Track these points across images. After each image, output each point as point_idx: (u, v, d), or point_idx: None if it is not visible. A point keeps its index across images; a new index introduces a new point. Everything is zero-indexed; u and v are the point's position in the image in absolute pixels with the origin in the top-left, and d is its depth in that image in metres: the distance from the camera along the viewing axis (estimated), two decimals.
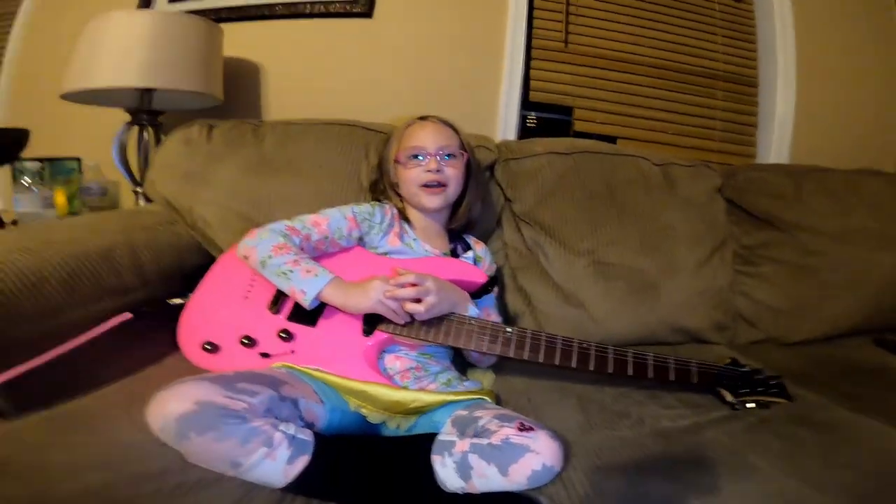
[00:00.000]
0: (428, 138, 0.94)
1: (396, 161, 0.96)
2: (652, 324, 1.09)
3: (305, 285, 0.78)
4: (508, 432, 0.60)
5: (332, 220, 0.90)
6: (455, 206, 1.00)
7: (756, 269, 1.19)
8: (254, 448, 0.55)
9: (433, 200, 0.93)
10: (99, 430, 0.63)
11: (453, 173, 0.94)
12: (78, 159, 1.57)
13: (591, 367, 0.77)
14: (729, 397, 0.80)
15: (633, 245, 1.11)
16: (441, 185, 0.93)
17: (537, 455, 0.58)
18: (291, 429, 0.59)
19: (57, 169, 1.53)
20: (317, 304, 0.79)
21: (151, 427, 0.56)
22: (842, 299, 1.15)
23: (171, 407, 0.55)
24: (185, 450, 0.56)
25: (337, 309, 0.80)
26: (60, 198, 1.46)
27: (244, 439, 0.55)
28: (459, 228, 1.02)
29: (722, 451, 0.68)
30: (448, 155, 0.94)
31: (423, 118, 0.99)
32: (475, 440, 0.61)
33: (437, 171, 0.92)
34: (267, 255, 0.81)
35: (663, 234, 1.13)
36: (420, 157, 0.93)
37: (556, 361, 0.77)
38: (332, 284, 0.79)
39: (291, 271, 0.79)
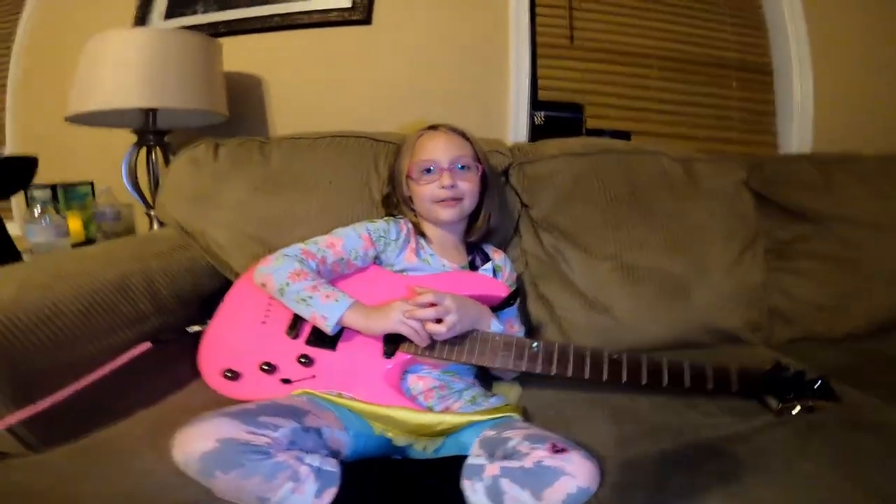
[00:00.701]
0: (440, 150, 0.91)
1: (409, 176, 0.94)
2: (684, 327, 1.05)
3: (326, 311, 0.76)
4: (541, 455, 0.58)
5: (348, 241, 0.88)
6: (472, 217, 0.97)
7: (792, 265, 1.14)
8: (280, 483, 0.55)
9: (448, 213, 0.90)
10: (126, 461, 0.63)
11: (468, 187, 0.91)
12: (91, 183, 1.58)
13: (624, 380, 0.74)
14: (774, 403, 0.76)
15: (659, 246, 1.06)
16: (456, 199, 0.90)
17: (572, 478, 0.55)
18: (317, 460, 0.58)
19: (70, 194, 1.54)
20: (338, 328, 0.78)
21: (177, 463, 0.55)
22: (884, 290, 1.10)
23: (194, 446, 0.54)
24: (211, 486, 0.55)
25: (357, 332, 0.78)
26: (75, 224, 1.47)
27: (270, 475, 0.54)
28: (477, 239, 0.99)
29: (771, 460, 0.65)
30: (462, 167, 0.91)
31: (433, 127, 0.96)
32: (505, 463, 0.59)
33: (452, 185, 0.89)
34: (285, 283, 0.79)
35: (691, 233, 1.08)
36: (433, 171, 0.90)
37: (586, 375, 0.74)
38: (353, 309, 0.77)
39: (311, 297, 0.78)
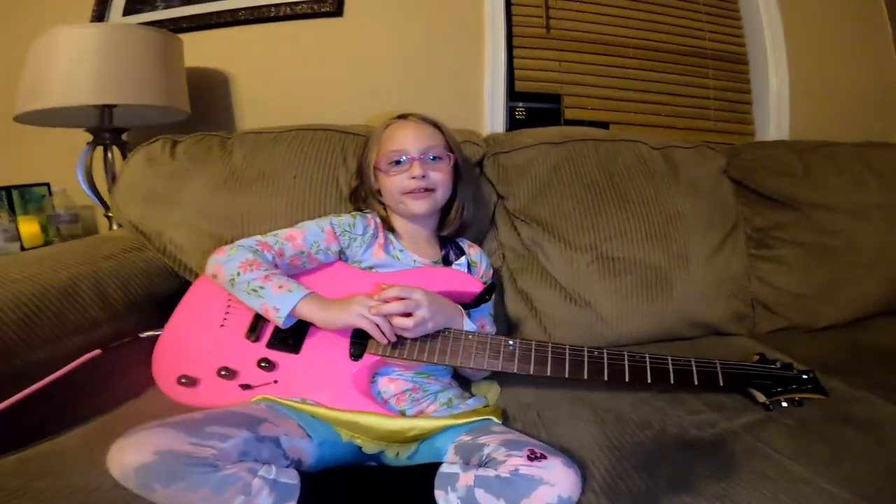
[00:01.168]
0: (409, 140, 0.86)
1: (377, 167, 0.89)
2: (666, 319, 1.02)
3: (278, 301, 0.71)
4: (517, 462, 0.55)
5: (309, 234, 0.83)
6: (444, 210, 0.93)
7: (772, 253, 1.13)
8: (230, 497, 0.51)
9: (420, 206, 0.86)
10: (69, 475, 0.59)
11: (440, 178, 0.87)
12: (47, 185, 1.50)
13: (605, 378, 0.70)
14: (761, 398, 0.74)
15: (638, 236, 1.03)
16: (427, 189, 0.85)
17: (551, 487, 0.52)
18: (272, 472, 0.54)
19: (26, 196, 1.46)
20: (291, 321, 0.73)
21: (114, 477, 0.51)
22: (866, 279, 1.10)
23: (129, 457, 0.50)
24: (155, 500, 0.51)
25: (321, 333, 0.74)
26: (32, 227, 1.40)
27: (217, 489, 0.50)
28: (451, 233, 0.94)
29: (760, 460, 0.62)
30: (433, 157, 0.87)
31: (402, 116, 0.91)
32: (480, 472, 0.56)
33: (423, 176, 0.84)
34: (235, 273, 0.74)
35: (670, 222, 1.06)
36: (402, 162, 0.85)
37: (566, 374, 0.70)
38: (308, 299, 0.72)
39: (262, 287, 0.72)
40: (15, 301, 0.74)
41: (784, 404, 0.72)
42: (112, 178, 1.26)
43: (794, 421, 0.70)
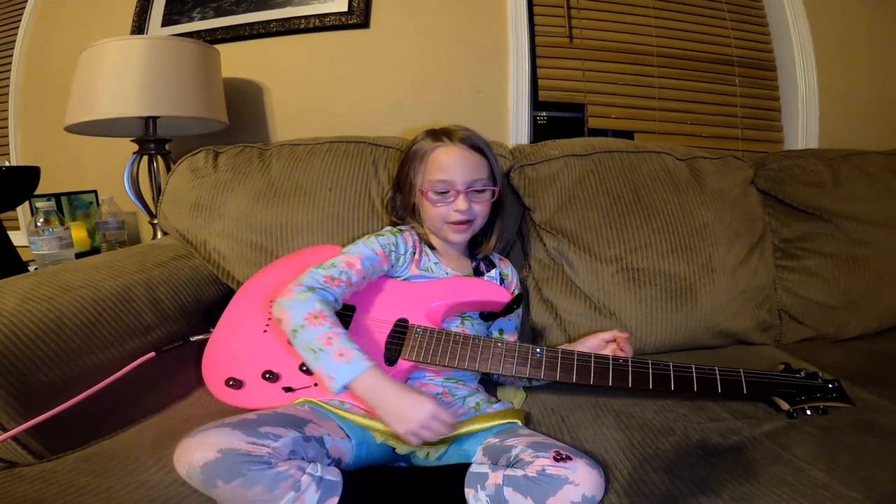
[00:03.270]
0: (457, 170, 0.86)
1: (422, 193, 0.89)
2: (691, 329, 1.03)
3: (334, 371, 0.68)
4: (544, 463, 0.57)
5: (365, 259, 0.83)
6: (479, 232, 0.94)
7: (800, 264, 1.12)
8: (282, 493, 0.54)
9: (459, 237, 0.89)
10: (130, 472, 0.64)
11: (481, 210, 0.89)
12: (94, 192, 1.59)
13: (630, 385, 0.73)
14: (784, 405, 0.74)
15: (664, 247, 1.05)
16: (468, 221, 0.88)
17: (576, 486, 0.55)
18: (318, 470, 0.58)
19: (75, 203, 1.55)
20: (344, 391, 0.69)
21: (179, 474, 0.55)
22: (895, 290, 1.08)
23: (195, 456, 0.54)
24: (214, 496, 0.55)
25: (357, 339, 0.76)
26: (80, 233, 1.48)
27: (271, 485, 0.54)
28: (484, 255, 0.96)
29: (780, 466, 0.63)
30: (478, 190, 0.88)
31: (445, 133, 0.89)
32: (509, 472, 0.58)
33: (467, 210, 0.86)
34: (300, 325, 0.72)
35: (696, 233, 1.06)
36: (447, 193, 0.86)
37: (591, 381, 0.73)
38: (368, 375, 0.68)
39: (322, 350, 0.69)
40: (77, 306, 0.78)
41: (808, 412, 0.73)
42: (157, 186, 1.33)
43: (817, 429, 0.71)
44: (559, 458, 0.57)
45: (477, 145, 0.89)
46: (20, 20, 1.72)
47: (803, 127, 1.52)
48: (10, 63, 1.72)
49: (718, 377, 0.74)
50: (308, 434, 0.62)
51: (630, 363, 0.74)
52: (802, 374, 0.77)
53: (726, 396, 0.76)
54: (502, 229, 0.96)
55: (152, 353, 0.82)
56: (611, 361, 0.74)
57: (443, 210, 0.88)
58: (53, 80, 1.62)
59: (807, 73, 1.52)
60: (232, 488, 0.53)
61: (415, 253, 0.90)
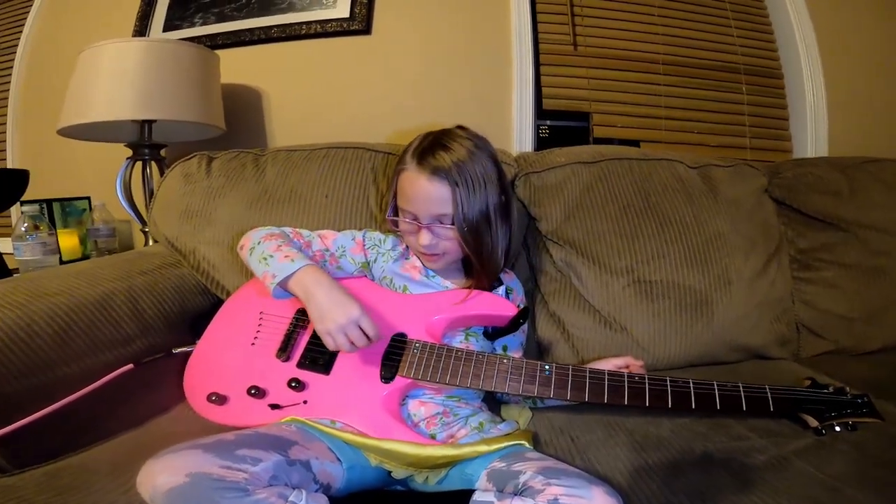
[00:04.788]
0: (419, 203, 0.76)
1: (390, 223, 0.83)
2: (707, 344, 0.98)
3: (277, 269, 0.72)
4: (556, 492, 0.52)
5: (340, 237, 0.86)
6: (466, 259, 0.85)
7: (818, 275, 1.08)
8: None
9: (432, 265, 0.83)
10: (96, 491, 0.58)
11: (450, 245, 0.79)
12: (88, 199, 1.55)
13: (647, 404, 0.67)
14: (813, 422, 0.70)
15: (678, 258, 1.00)
16: (437, 254, 0.80)
17: None
18: (303, 498, 0.52)
19: (67, 209, 1.51)
20: (282, 294, 0.74)
21: (144, 498, 0.50)
22: None
23: (160, 480, 0.48)
24: None
25: (353, 354, 0.72)
26: (72, 240, 1.44)
27: None
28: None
29: (814, 486, 0.59)
30: (446, 227, 0.77)
31: (422, 154, 0.77)
32: (517, 501, 0.53)
33: (430, 244, 0.77)
34: (257, 242, 0.78)
35: (711, 244, 1.02)
36: (412, 223, 0.78)
37: (605, 400, 0.67)
38: (306, 271, 0.71)
39: (271, 256, 0.74)
40: (50, 314, 0.74)
41: (837, 429, 0.68)
42: (150, 193, 1.29)
43: (849, 446, 0.67)
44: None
45: (448, 169, 0.74)
46: (23, 25, 1.72)
47: (812, 135, 1.50)
48: (12, 67, 1.72)
49: (743, 394, 0.69)
50: (292, 457, 0.56)
51: (647, 381, 0.68)
52: (831, 389, 0.73)
53: (751, 414, 0.71)
54: (500, 244, 0.81)
55: (130, 365, 0.78)
56: (626, 378, 0.68)
57: (411, 240, 0.81)
58: (53, 85, 1.60)
59: (814, 81, 1.50)
60: None
61: (407, 257, 0.86)
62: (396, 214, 0.83)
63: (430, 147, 0.77)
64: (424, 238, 0.77)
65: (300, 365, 0.74)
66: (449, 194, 0.75)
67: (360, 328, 0.69)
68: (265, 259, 0.74)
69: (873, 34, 1.55)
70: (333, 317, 0.68)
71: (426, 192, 0.75)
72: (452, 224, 0.76)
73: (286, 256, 0.73)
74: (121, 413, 0.78)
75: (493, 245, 0.79)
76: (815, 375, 0.79)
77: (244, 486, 0.49)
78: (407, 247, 0.87)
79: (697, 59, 1.54)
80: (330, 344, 0.68)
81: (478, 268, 0.81)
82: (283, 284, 0.73)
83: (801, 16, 1.51)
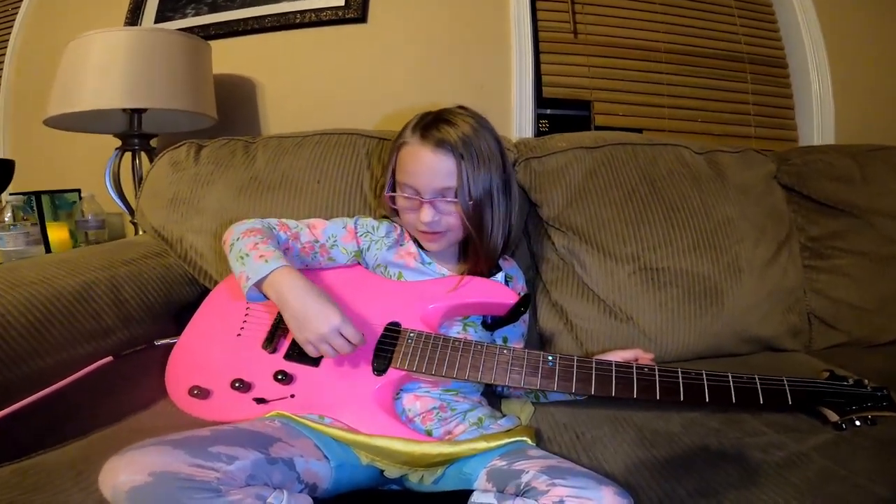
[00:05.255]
0: (422, 176, 0.73)
1: (388, 202, 0.81)
2: (717, 334, 0.95)
3: (251, 270, 0.67)
4: (562, 493, 0.48)
5: (330, 226, 0.81)
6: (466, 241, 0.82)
7: (830, 263, 1.04)
8: None
9: (432, 246, 0.79)
10: (67, 490, 0.55)
11: (453, 221, 0.75)
12: (78, 191, 1.51)
13: (658, 397, 0.63)
14: (833, 416, 0.66)
15: (685, 245, 0.96)
16: (439, 232, 0.76)
17: None
18: (284, 499, 0.48)
19: (57, 202, 1.47)
20: (256, 296, 0.69)
21: (105, 496, 0.46)
22: None
23: (121, 478, 0.44)
24: None
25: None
26: (62, 232, 1.40)
27: None
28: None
29: (838, 484, 0.56)
30: (449, 201, 0.74)
31: (425, 128, 0.75)
32: (519, 502, 0.50)
33: (432, 221, 0.74)
34: (236, 238, 0.73)
35: (720, 230, 0.98)
36: (413, 199, 0.75)
37: (613, 393, 0.63)
38: (280, 273, 0.67)
39: (248, 255, 0.69)
40: (26, 304, 0.71)
41: (857, 423, 0.65)
42: (139, 183, 1.26)
43: (871, 441, 0.63)
44: None
45: (454, 143, 0.72)
46: (14, 18, 1.70)
47: (818, 124, 1.47)
48: (3, 59, 1.70)
49: (759, 387, 0.65)
50: (273, 455, 0.52)
51: (657, 372, 0.64)
52: (850, 381, 0.69)
53: (768, 408, 0.67)
54: (501, 227, 0.78)
55: (109, 358, 0.74)
56: (635, 370, 0.64)
57: (409, 217, 0.78)
58: (43, 78, 1.56)
59: (820, 70, 1.48)
60: None
61: (402, 243, 0.82)
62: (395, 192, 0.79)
63: (434, 122, 0.75)
64: (426, 214, 0.73)
65: (288, 357, 0.70)
66: (454, 167, 0.72)
67: (343, 336, 0.65)
68: (241, 258, 0.69)
69: (878, 23, 1.52)
70: (313, 327, 0.64)
71: (431, 165, 0.73)
72: (455, 199, 0.73)
73: (261, 256, 0.68)
74: (98, 408, 0.74)
75: (495, 224, 0.77)
76: (831, 367, 0.76)
77: (216, 486, 0.45)
78: (402, 233, 0.83)
79: (701, 48, 1.51)
80: (312, 352, 0.66)
81: (478, 246, 0.77)
82: (257, 286, 0.68)
83: (806, 4, 1.48)
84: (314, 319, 0.64)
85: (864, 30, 1.51)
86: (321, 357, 0.68)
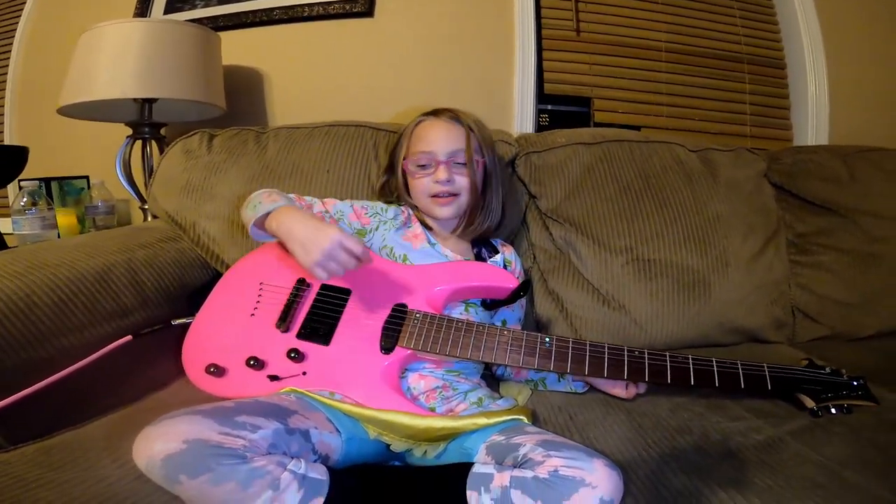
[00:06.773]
0: (437, 141, 0.86)
1: (404, 169, 0.90)
2: (703, 325, 0.99)
3: (258, 210, 0.75)
4: (556, 463, 0.52)
5: (339, 204, 0.88)
6: (471, 212, 0.90)
7: (815, 259, 1.08)
8: (257, 492, 0.48)
9: (444, 211, 0.86)
10: (90, 466, 0.58)
11: (465, 183, 0.86)
12: (86, 178, 1.54)
13: (646, 379, 0.67)
14: (809, 403, 0.70)
15: (677, 238, 1.00)
16: (452, 194, 0.85)
17: (593, 489, 0.49)
18: (302, 466, 0.51)
19: (65, 188, 1.50)
20: (259, 234, 0.77)
21: (139, 466, 0.49)
22: None
23: (156, 447, 0.47)
24: (178, 493, 0.48)
25: (353, 324, 0.71)
26: (70, 218, 1.43)
27: (245, 482, 0.47)
28: (476, 236, 0.92)
29: (810, 467, 0.59)
30: (461, 162, 0.86)
31: (435, 112, 0.90)
32: (517, 472, 0.53)
33: (448, 180, 0.84)
34: (253, 196, 0.80)
35: (709, 225, 1.02)
36: (428, 166, 0.86)
37: (605, 374, 0.68)
38: (282, 210, 0.74)
39: (261, 203, 0.77)
40: (50, 285, 0.74)
41: (833, 411, 0.69)
42: (149, 171, 1.29)
43: (844, 428, 0.67)
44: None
45: (461, 118, 0.89)
46: (23, 6, 1.71)
47: (813, 125, 1.50)
48: (11, 47, 1.71)
49: (741, 371, 0.69)
50: (292, 426, 0.56)
51: (647, 355, 0.69)
52: (828, 370, 0.73)
53: (749, 393, 0.71)
54: (490, 204, 0.90)
55: (129, 337, 0.77)
56: (626, 352, 0.69)
57: (424, 182, 0.86)
58: (52, 66, 1.59)
59: (817, 72, 1.50)
60: (198, 485, 0.47)
61: (409, 225, 0.88)
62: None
63: (443, 109, 0.90)
64: (442, 172, 0.84)
65: (300, 335, 0.73)
66: (465, 134, 0.86)
67: (345, 249, 0.67)
68: (254, 207, 0.77)
69: (877, 26, 1.55)
70: (316, 244, 0.67)
71: (446, 130, 0.87)
72: (465, 165, 0.85)
73: (272, 201, 0.76)
74: (118, 387, 0.77)
75: (495, 200, 0.90)
76: (811, 357, 0.80)
77: (242, 452, 0.48)
78: (409, 216, 0.88)
79: (701, 48, 1.54)
80: (321, 275, 0.67)
81: (478, 217, 0.88)
82: (259, 224, 0.76)
83: (806, 5, 1.50)
84: (316, 238, 0.67)
85: (862, 34, 1.53)
86: (332, 335, 0.72)
